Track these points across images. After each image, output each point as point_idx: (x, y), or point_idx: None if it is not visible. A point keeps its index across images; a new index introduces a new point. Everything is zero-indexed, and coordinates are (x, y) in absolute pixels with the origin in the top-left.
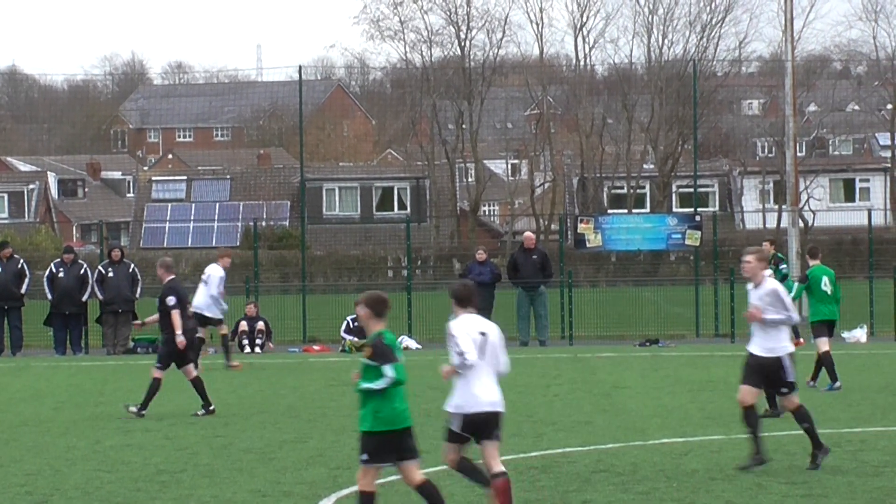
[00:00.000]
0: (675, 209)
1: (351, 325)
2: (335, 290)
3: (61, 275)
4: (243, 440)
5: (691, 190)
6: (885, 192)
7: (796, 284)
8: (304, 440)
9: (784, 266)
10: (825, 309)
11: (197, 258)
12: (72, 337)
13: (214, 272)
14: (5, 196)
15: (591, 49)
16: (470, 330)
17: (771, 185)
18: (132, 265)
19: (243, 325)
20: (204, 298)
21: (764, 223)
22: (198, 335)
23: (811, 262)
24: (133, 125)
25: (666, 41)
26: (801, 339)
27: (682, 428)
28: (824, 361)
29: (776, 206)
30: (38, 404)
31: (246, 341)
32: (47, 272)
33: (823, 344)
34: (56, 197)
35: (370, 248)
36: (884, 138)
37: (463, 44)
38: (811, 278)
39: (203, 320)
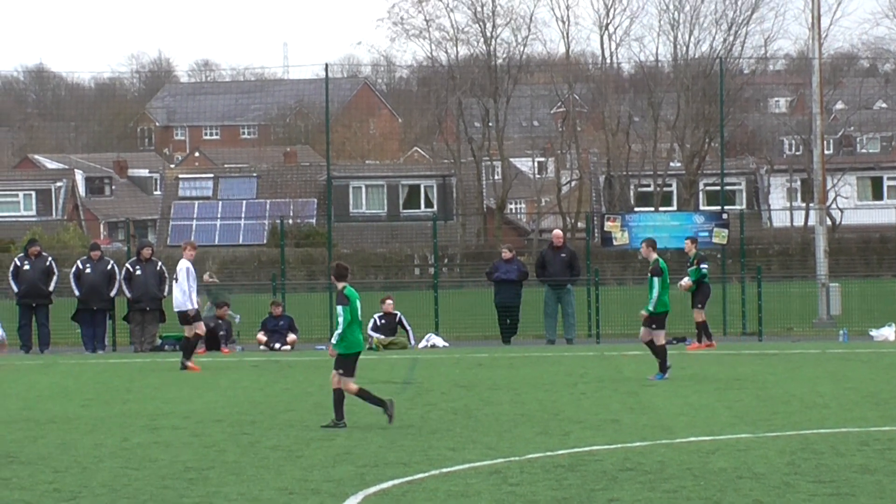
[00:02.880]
0: (701, 207)
1: (378, 323)
2: (361, 288)
3: (88, 271)
4: (270, 438)
5: (718, 188)
6: None
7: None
8: (330, 438)
9: (705, 266)
10: (668, 301)
11: (224, 256)
12: (96, 333)
13: (181, 266)
14: (33, 194)
15: (616, 47)
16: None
17: (798, 183)
18: (160, 263)
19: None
20: (179, 295)
21: (791, 221)
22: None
23: (652, 255)
24: (160, 123)
25: (692, 39)
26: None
27: (709, 426)
28: (662, 352)
29: (803, 205)
30: (66, 402)
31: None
32: (74, 269)
33: (664, 336)
34: (83, 195)
35: (396, 246)
36: None
37: (489, 42)
38: (665, 270)
39: (183, 319)
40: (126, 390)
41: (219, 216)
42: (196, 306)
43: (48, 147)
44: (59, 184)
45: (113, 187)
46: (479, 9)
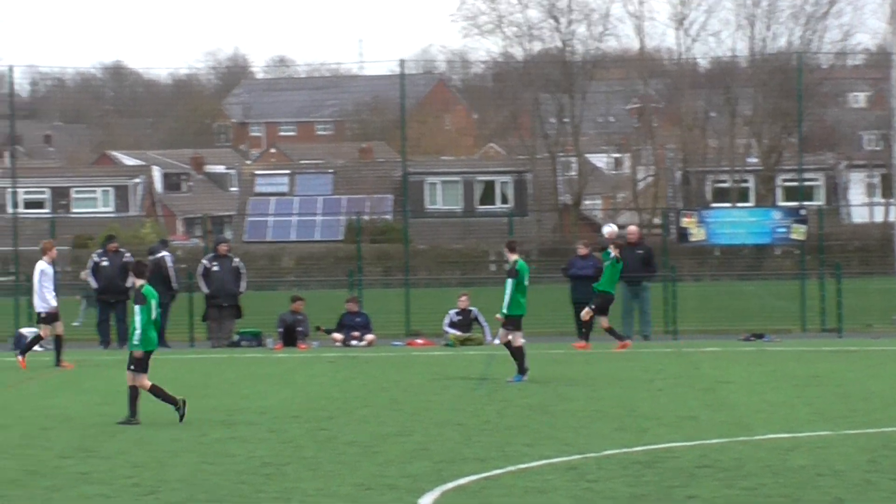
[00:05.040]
0: (779, 203)
1: (454, 319)
2: (438, 284)
3: (105, 264)
4: (347, 433)
5: (796, 184)
6: None
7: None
8: (407, 433)
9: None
10: (524, 303)
11: (300, 252)
12: (118, 329)
13: (38, 268)
14: (111, 190)
15: (692, 42)
16: None
17: (878, 178)
18: (236, 259)
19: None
20: (36, 297)
21: (871, 217)
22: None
23: (512, 257)
24: (236, 119)
25: (769, 34)
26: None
27: (787, 423)
28: (520, 353)
29: (883, 200)
30: (144, 397)
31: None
32: (90, 263)
33: (521, 337)
34: (161, 191)
35: (472, 242)
36: None
37: (563, 37)
38: (521, 271)
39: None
40: (203, 386)
41: (295, 212)
42: (49, 307)
43: (126, 143)
44: (136, 180)
45: (190, 183)
46: (553, 4)
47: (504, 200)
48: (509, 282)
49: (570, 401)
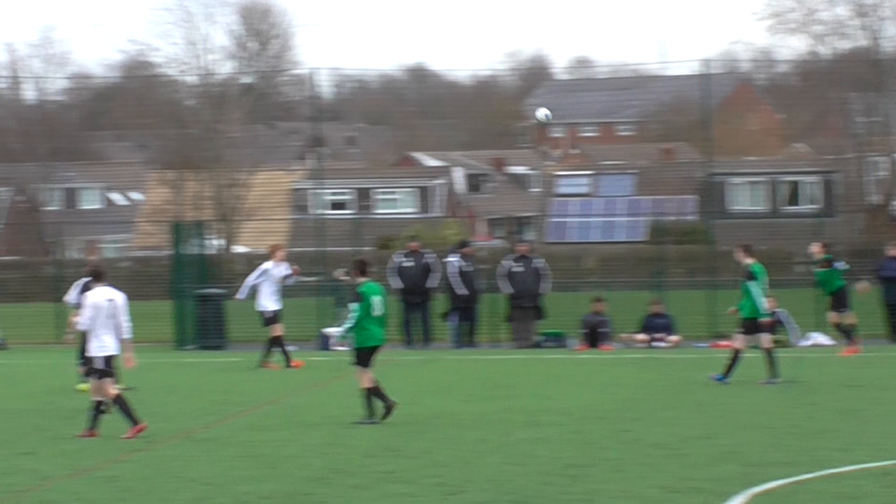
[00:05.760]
0: None
1: None
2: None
3: (407, 264)
4: (652, 435)
5: None
6: None
7: None
8: (712, 436)
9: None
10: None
11: (602, 253)
12: (426, 326)
13: (261, 267)
14: (413, 191)
15: None
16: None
17: None
18: (538, 260)
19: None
20: (259, 297)
21: None
22: None
23: (747, 260)
24: (536, 120)
25: None
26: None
27: None
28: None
29: None
30: (448, 397)
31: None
32: (389, 263)
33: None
34: (462, 191)
35: (778, 243)
36: None
37: (871, 35)
38: (758, 274)
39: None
40: (506, 386)
41: (597, 213)
42: (267, 310)
43: (428, 145)
44: (438, 181)
45: (492, 184)
46: (862, 2)
47: (811, 201)
48: (751, 284)
49: (884, 405)
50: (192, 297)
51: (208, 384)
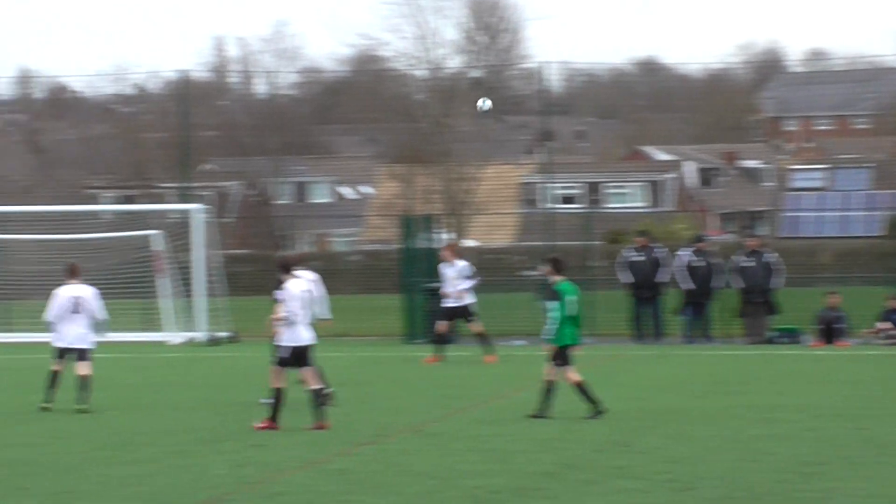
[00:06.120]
0: None
1: None
2: None
3: (637, 258)
4: (891, 433)
5: None
6: None
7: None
8: None
9: None
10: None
11: (838, 248)
12: (657, 321)
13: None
14: (643, 185)
15: None
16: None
17: None
18: (770, 254)
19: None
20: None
21: None
22: None
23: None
24: (770, 113)
25: None
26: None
27: None
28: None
29: None
30: (680, 392)
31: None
32: (619, 258)
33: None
34: (693, 185)
35: None
36: None
37: None
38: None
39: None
40: (740, 382)
41: (833, 207)
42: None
43: (658, 138)
44: (668, 175)
45: (724, 178)
46: None
47: None
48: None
49: None
50: (421, 290)
51: (437, 378)
